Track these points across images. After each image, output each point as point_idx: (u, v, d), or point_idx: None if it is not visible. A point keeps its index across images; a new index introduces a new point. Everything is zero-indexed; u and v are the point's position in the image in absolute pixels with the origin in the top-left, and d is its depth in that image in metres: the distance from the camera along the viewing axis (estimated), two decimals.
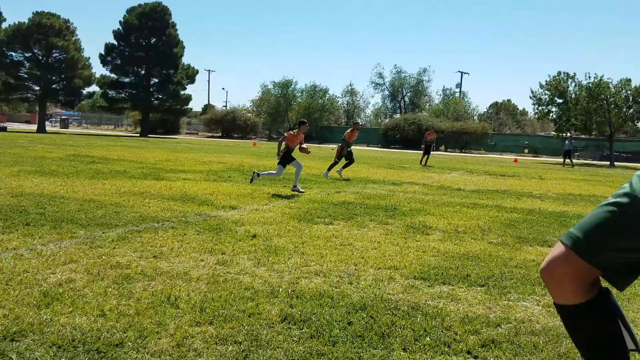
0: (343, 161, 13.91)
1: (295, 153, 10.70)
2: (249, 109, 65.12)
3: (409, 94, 65.14)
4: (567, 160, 27.72)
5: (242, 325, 3.46)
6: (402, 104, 65.35)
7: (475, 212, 8.64)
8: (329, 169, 13.76)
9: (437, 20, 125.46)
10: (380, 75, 65.47)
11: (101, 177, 11.08)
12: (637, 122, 34.25)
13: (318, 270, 4.83)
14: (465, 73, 70.67)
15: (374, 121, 69.03)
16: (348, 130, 14.43)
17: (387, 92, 65.89)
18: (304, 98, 60.04)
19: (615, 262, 0.93)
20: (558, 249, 0.98)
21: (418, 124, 47.70)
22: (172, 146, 28.78)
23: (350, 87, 67.87)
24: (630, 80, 32.84)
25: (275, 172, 10.63)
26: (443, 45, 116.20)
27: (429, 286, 4.52)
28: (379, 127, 55.38)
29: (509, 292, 4.41)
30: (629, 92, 32.64)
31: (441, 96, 68.10)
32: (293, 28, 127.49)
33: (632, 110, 32.80)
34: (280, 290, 4.21)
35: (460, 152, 44.88)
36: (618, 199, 0.91)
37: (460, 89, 66.02)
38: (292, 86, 60.92)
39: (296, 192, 10.00)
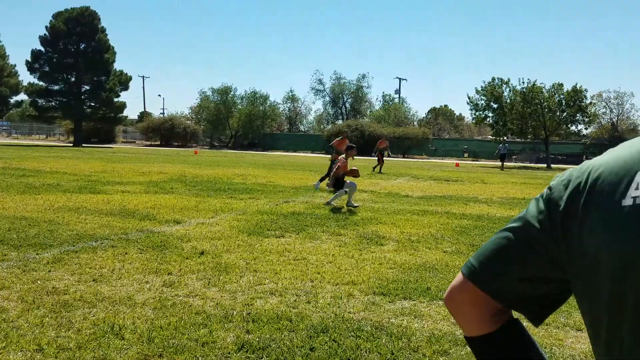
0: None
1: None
2: (188, 116, 63.64)
3: (349, 100, 65.75)
4: (502, 163, 29.06)
5: (196, 356, 3.16)
6: (343, 110, 65.87)
7: (427, 220, 8.63)
8: (321, 180, 13.46)
9: (374, 26, 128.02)
10: (320, 82, 65.78)
11: (33, 192, 10.28)
12: (571, 125, 36.14)
13: (273, 289, 4.56)
14: (403, 79, 72.36)
15: (316, 127, 69.27)
16: (338, 139, 14.41)
17: (327, 99, 66.28)
18: (245, 105, 59.29)
19: (516, 292, 0.89)
20: (457, 277, 0.97)
21: (361, 129, 48.19)
22: (108, 156, 27.52)
23: (291, 94, 67.62)
24: (562, 84, 34.62)
25: (337, 192, 10.14)
26: (380, 51, 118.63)
27: (390, 302, 4.35)
28: (322, 134, 55.52)
29: None
30: (562, 96, 34.36)
31: (381, 102, 69.35)
32: (231, 33, 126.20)
33: (565, 113, 34.54)
34: (235, 313, 3.91)
35: (403, 157, 45.70)
36: (512, 224, 0.87)
37: (400, 95, 67.48)
38: (232, 92, 60.03)
39: (351, 207, 9.70)
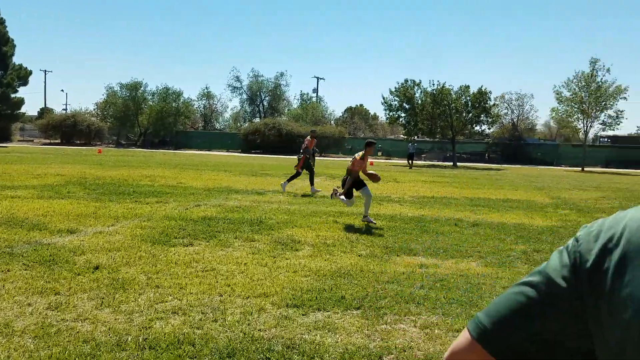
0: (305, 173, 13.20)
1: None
2: (93, 112, 59.93)
3: (267, 98, 65.18)
4: (410, 162, 30.18)
5: None
6: (261, 108, 65.18)
7: (342, 222, 8.52)
8: (289, 181, 13.02)
9: (294, 24, 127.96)
10: (238, 79, 64.60)
11: None
12: (475, 125, 38.17)
13: (176, 307, 4.16)
14: (321, 78, 72.91)
15: (233, 125, 68.01)
16: (308, 138, 13.50)
17: (245, 96, 65.25)
18: (156, 101, 56.79)
19: (524, 353, 0.83)
20: (463, 336, 0.88)
21: (278, 128, 47.92)
22: (1, 156, 25.11)
23: (206, 90, 65.79)
24: (469, 87, 36.54)
25: (346, 200, 8.88)
26: (299, 50, 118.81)
27: (303, 315, 4.11)
28: (238, 132, 54.53)
29: (385, 313, 4.19)
30: (468, 97, 36.27)
31: (299, 101, 69.47)
32: (141, 27, 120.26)
33: (470, 114, 36.46)
34: (129, 339, 3.49)
35: (320, 156, 46.01)
36: (530, 278, 0.82)
37: (317, 94, 67.92)
38: (142, 88, 57.23)
39: (367, 223, 8.31)
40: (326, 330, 3.80)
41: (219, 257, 5.83)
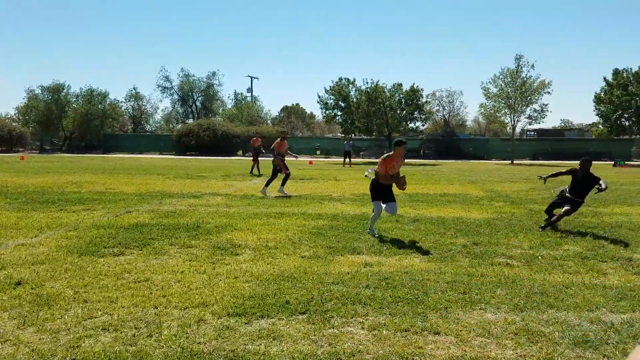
0: (280, 176, 12.82)
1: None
2: (14, 117, 56.29)
3: (200, 98, 63.70)
4: (347, 160, 30.27)
5: None
6: (194, 109, 63.60)
7: (283, 222, 8.33)
8: (283, 184, 12.73)
9: (225, 24, 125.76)
10: (167, 79, 62.67)
11: None
12: (410, 122, 39.08)
13: (107, 323, 3.83)
14: (255, 77, 72.24)
15: (165, 127, 65.97)
16: (278, 141, 13.11)
17: (176, 97, 63.39)
18: (80, 103, 54.09)
19: None
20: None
21: (213, 129, 46.91)
22: None
23: (134, 91, 63.33)
24: (401, 84, 37.37)
25: (374, 213, 7.54)
26: (232, 49, 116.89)
27: (246, 323, 3.90)
28: (171, 134, 52.88)
29: (332, 316, 4.05)
30: (401, 95, 37.07)
31: (233, 101, 68.38)
32: (61, 26, 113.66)
33: (405, 112, 37.30)
34: None
35: (262, 155, 45.58)
36: None
37: (252, 93, 67.18)
38: (65, 90, 54.33)
39: (372, 235, 7.31)
40: (271, 339, 3.61)
41: (153, 267, 5.48)
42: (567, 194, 8.20)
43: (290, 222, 8.43)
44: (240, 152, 46.30)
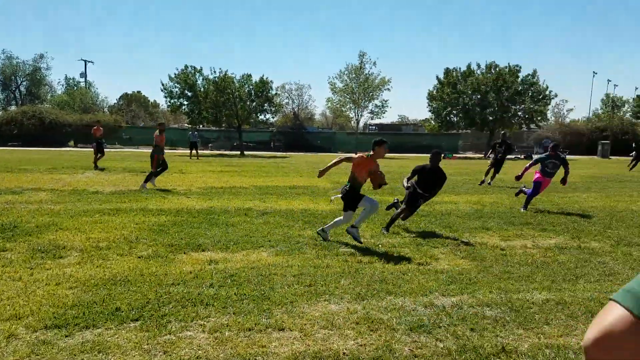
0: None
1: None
2: None
3: (25, 83, 56.54)
4: (193, 152, 29.09)
5: None
6: (17, 94, 56.26)
7: (119, 220, 7.60)
8: (146, 181, 11.95)
9: (52, 5, 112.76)
10: None
11: None
12: (260, 114, 38.94)
13: None
14: (89, 62, 66.21)
15: None
16: (156, 134, 11.98)
17: None
18: None
19: None
20: (615, 315, 0.73)
21: (40, 117, 41.88)
22: None
23: None
24: (250, 75, 36.92)
25: (341, 218, 6.71)
26: (61, 31, 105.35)
27: (66, 336, 3.39)
28: None
29: (170, 321, 3.71)
30: (251, 86, 36.73)
31: (64, 86, 61.84)
32: None
33: (254, 103, 37.04)
34: None
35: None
36: None
37: (86, 79, 61.28)
38: None
39: (356, 239, 6.48)
40: (96, 352, 3.17)
41: None
42: (417, 190, 7.75)
43: (127, 219, 7.73)
44: (71, 143, 42.15)
